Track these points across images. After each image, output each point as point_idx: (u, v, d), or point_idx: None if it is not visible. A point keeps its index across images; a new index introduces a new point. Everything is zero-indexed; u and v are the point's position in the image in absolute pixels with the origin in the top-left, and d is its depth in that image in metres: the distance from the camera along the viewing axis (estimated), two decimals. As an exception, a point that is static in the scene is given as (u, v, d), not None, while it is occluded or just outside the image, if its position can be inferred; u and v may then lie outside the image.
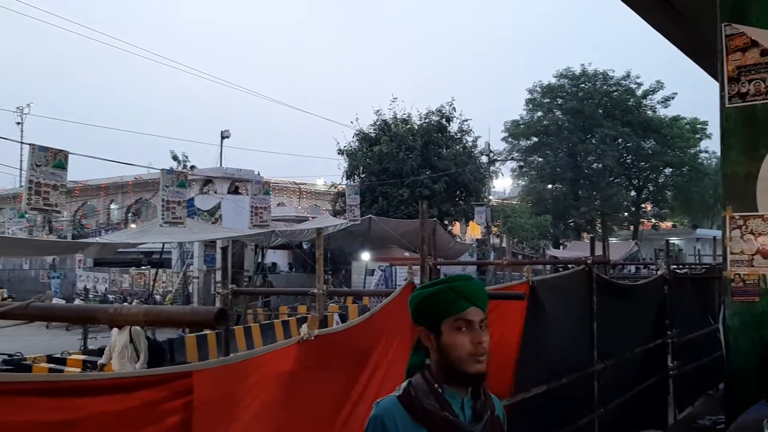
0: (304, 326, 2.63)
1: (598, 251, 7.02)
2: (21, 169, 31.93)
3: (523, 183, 42.90)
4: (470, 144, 30.34)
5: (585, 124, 38.53)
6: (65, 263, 28.06)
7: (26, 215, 28.42)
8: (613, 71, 39.71)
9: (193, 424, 2.32)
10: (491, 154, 34.32)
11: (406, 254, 22.35)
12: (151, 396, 2.24)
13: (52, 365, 8.97)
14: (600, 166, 38.78)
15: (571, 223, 40.36)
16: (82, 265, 26.75)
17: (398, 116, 29.05)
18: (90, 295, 24.27)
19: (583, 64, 40.15)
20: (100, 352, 9.33)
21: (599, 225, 40.51)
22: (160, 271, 22.36)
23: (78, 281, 26.56)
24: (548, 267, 17.16)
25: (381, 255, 23.33)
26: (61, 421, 2.04)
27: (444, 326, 1.90)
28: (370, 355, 3.59)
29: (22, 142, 22.46)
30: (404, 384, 1.98)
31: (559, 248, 36.03)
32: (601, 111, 38.82)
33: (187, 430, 2.32)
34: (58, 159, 11.15)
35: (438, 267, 8.76)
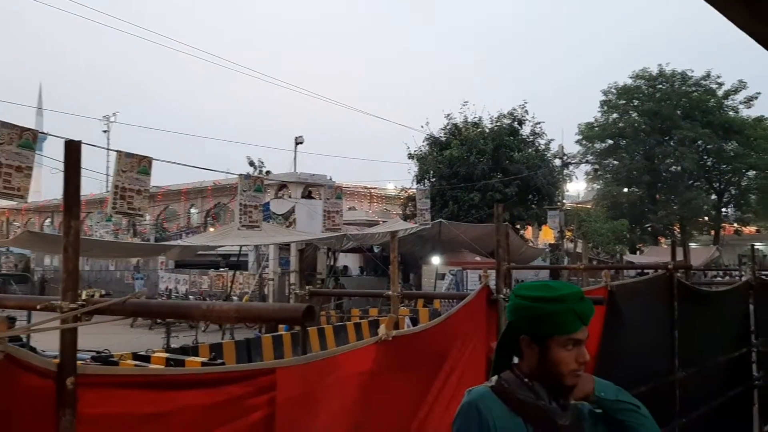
0: (382, 326, 2.68)
1: (679, 256, 6.79)
2: (107, 175, 33.53)
3: (598, 186, 41.80)
4: (543, 147, 29.83)
5: (662, 126, 37.25)
6: (148, 265, 29.28)
7: (112, 219, 29.81)
8: (692, 71, 38.27)
9: (276, 420, 2.40)
10: (565, 157, 33.64)
11: (477, 258, 22.17)
12: (237, 391, 2.33)
13: (137, 362, 9.37)
14: (678, 168, 37.40)
15: (648, 228, 39.05)
16: (164, 266, 27.84)
17: (469, 120, 28.89)
18: (172, 296, 25.22)
19: (660, 65, 38.87)
20: (183, 350, 9.70)
21: (678, 230, 39.05)
22: (238, 273, 23.01)
23: (160, 282, 27.66)
24: (626, 272, 16.66)
25: (451, 259, 23.22)
26: (152, 413, 2.15)
27: (553, 342, 1.92)
28: (446, 357, 3.61)
29: (108, 149, 23.57)
30: (495, 377, 2.03)
31: (635, 253, 34.93)
32: (679, 112, 37.44)
33: (271, 426, 2.41)
34: (142, 165, 11.62)
35: (510, 271, 8.67)
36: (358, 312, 17.87)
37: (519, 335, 2.00)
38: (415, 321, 13.99)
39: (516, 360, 2.06)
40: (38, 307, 2.02)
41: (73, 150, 2.08)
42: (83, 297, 2.00)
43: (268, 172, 28.36)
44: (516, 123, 28.84)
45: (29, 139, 9.82)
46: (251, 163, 30.60)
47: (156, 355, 8.69)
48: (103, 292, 1.82)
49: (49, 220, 42.34)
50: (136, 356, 9.98)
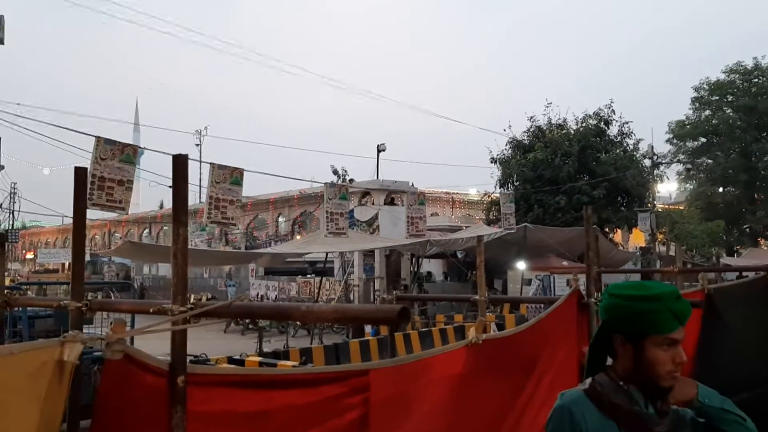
0: (472, 330, 2.71)
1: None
2: (200, 186, 34.96)
3: (691, 187, 39.93)
4: (631, 147, 28.84)
5: (759, 122, 35.19)
6: (240, 272, 30.30)
7: (206, 228, 31.04)
8: (792, 63, 35.97)
9: (370, 420, 2.47)
10: (655, 157, 32.37)
11: (565, 263, 21.67)
12: (333, 391, 2.42)
13: (233, 366, 9.75)
14: (778, 166, 35.29)
15: (747, 229, 36.95)
16: (255, 273, 28.73)
17: (553, 122, 28.34)
18: (263, 302, 26.01)
19: (755, 58, 36.77)
20: (274, 354, 10.00)
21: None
22: (324, 279, 23.45)
23: (251, 289, 28.54)
24: (725, 276, 15.87)
25: (538, 264, 22.80)
26: (254, 412, 2.27)
27: (648, 342, 1.89)
28: (536, 362, 3.59)
29: (201, 161, 24.59)
30: (588, 380, 2.01)
31: (733, 256, 33.14)
32: (777, 107, 35.33)
33: (365, 426, 2.48)
34: (234, 176, 12.06)
35: (600, 276, 8.43)
36: (442, 318, 17.85)
37: (613, 335, 1.97)
38: (501, 327, 13.82)
39: (610, 362, 2.03)
40: (151, 310, 2.17)
41: (180, 163, 2.23)
42: (191, 301, 2.14)
43: (351, 180, 28.82)
44: (602, 123, 28.04)
45: (130, 154, 10.37)
46: (335, 172, 31.19)
47: (250, 358, 9.00)
48: (210, 296, 1.94)
49: (147, 230, 44.58)
50: (230, 360, 10.37)
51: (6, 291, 3.15)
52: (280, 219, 35.14)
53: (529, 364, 3.48)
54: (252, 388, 2.23)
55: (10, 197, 39.91)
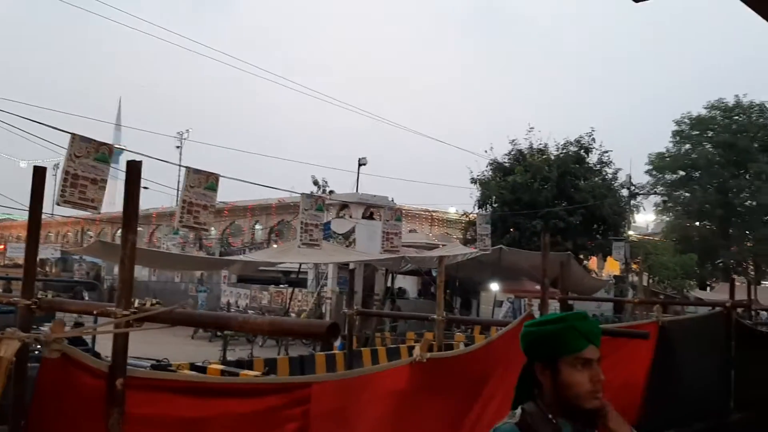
0: (416, 348, 2.76)
1: (744, 295, 6.59)
2: (178, 190, 34.72)
3: (668, 219, 40.50)
4: (610, 176, 29.23)
5: (738, 159, 35.87)
6: (212, 278, 30.06)
7: (179, 232, 30.81)
8: (773, 103, 36.77)
9: (310, 432, 2.51)
10: (633, 188, 32.82)
11: (537, 287, 21.82)
12: (274, 402, 2.46)
13: (194, 372, 9.67)
14: (754, 203, 35.86)
15: (720, 264, 37.50)
16: (227, 280, 28.53)
17: (534, 146, 28.64)
18: (232, 310, 25.80)
19: (737, 95, 37.55)
20: (238, 363, 9.93)
21: (752, 267, 37.35)
22: (297, 290, 23.38)
23: (222, 296, 28.33)
24: (696, 309, 16.12)
25: (511, 286, 22.94)
26: (194, 417, 2.30)
27: (562, 364, 1.94)
28: (485, 383, 3.64)
29: (180, 165, 24.44)
30: (518, 411, 2.04)
31: (705, 289, 33.57)
32: (756, 145, 36.01)
33: (304, 438, 2.52)
34: (209, 181, 12.00)
35: (569, 302, 8.55)
36: (413, 335, 17.85)
37: (534, 365, 2.04)
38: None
39: (536, 390, 2.07)
40: (95, 312, 2.20)
41: (134, 169, 2.26)
42: (135, 305, 2.17)
43: (331, 192, 28.82)
44: (583, 151, 28.40)
45: (105, 153, 10.34)
46: (315, 182, 31.16)
47: (212, 366, 8.93)
48: (155, 301, 1.98)
49: (120, 230, 44.09)
50: (193, 366, 10.29)
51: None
52: (257, 227, 34.99)
53: (477, 385, 3.53)
54: (191, 395, 2.26)
55: (-16, 189, 39.29)
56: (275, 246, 27.66)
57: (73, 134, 10.42)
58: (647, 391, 4.69)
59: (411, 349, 14.38)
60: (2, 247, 41.17)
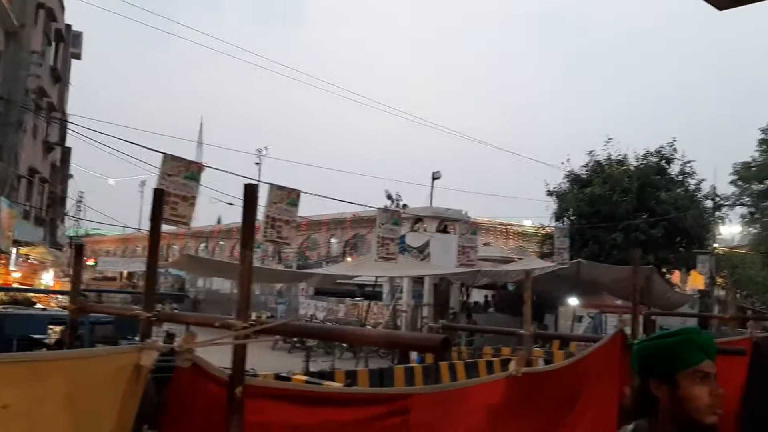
0: (512, 363, 2.82)
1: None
2: (258, 205, 35.70)
3: (755, 231, 38.61)
4: (693, 187, 28.20)
5: (832, 168, 33.95)
6: (290, 291, 30.76)
7: (261, 246, 31.69)
8: None
9: (409, 443, 2.61)
10: (717, 199, 31.51)
11: (618, 302, 21.25)
12: (375, 411, 2.57)
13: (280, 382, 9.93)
14: None
15: (813, 278, 35.43)
16: (305, 293, 29.12)
17: (613, 157, 27.99)
18: (311, 322, 26.31)
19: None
20: (320, 374, 10.16)
21: None
22: (372, 303, 23.61)
23: (300, 308, 28.90)
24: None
25: (590, 301, 22.42)
26: (303, 425, 2.44)
27: (680, 378, 1.94)
28: (576, 399, 3.65)
29: (260, 182, 25.20)
30: (630, 427, 2.05)
31: (797, 305, 31.81)
32: None
33: (403, 448, 2.62)
34: (291, 197, 12.40)
35: (653, 318, 8.36)
36: (490, 350, 17.68)
37: (649, 382, 2.04)
38: (549, 363, 13.67)
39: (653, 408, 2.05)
40: (216, 324, 2.38)
41: (250, 192, 2.45)
42: (252, 318, 2.34)
43: (404, 206, 29.01)
44: (664, 161, 27.55)
45: (194, 172, 10.81)
46: (389, 197, 31.45)
47: (296, 377, 9.18)
48: (269, 314, 2.13)
49: (204, 244, 45.74)
50: (277, 377, 10.59)
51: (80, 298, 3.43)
52: (333, 240, 35.58)
53: (568, 401, 3.55)
54: (303, 403, 2.40)
55: (77, 206, 41.65)
56: (350, 259, 28.07)
57: (165, 154, 10.96)
58: (741, 412, 4.55)
59: (489, 364, 14.28)
60: (93, 260, 43.36)
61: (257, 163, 45.12)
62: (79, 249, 3.54)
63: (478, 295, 26.90)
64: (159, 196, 2.89)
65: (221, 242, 44.27)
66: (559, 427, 3.47)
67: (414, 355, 15.53)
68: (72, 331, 3.45)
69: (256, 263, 30.22)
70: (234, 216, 39.09)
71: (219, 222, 49.53)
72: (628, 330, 4.17)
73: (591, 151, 28.43)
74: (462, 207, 27.71)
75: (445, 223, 25.91)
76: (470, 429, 2.89)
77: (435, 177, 29.54)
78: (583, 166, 28.29)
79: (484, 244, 32.35)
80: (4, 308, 11.92)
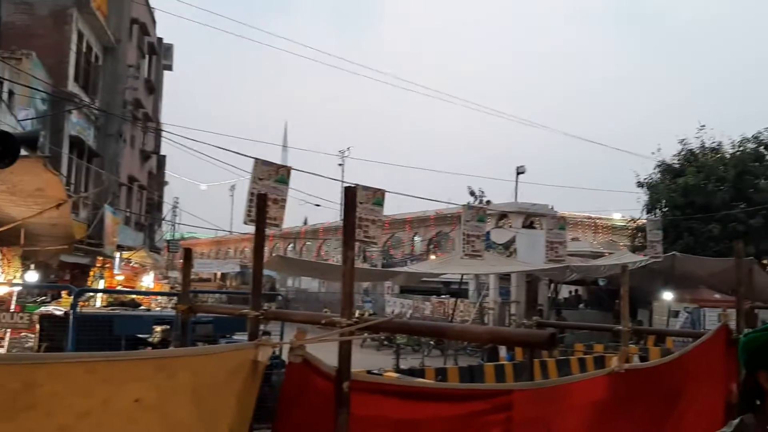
0: (615, 359, 2.79)
1: None
2: (341, 205, 36.35)
3: None
4: (795, 174, 26.51)
5: None
6: (376, 289, 31.12)
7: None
8: None
9: (512, 438, 2.63)
10: (823, 185, 29.49)
11: (717, 296, 20.30)
12: (478, 407, 2.61)
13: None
14: None
15: None
16: (390, 291, 29.36)
17: (707, 145, 26.71)
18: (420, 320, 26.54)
19: None
20: (410, 371, 10.28)
21: None
22: (458, 300, 23.55)
23: (386, 306, 29.19)
24: None
25: (686, 295, 21.50)
26: (408, 420, 2.51)
27: None
28: (679, 396, 3.56)
29: (343, 182, 25.64)
30: (735, 422, 2.01)
31: None
32: None
33: (507, 443, 2.64)
34: (376, 197, 12.56)
35: (755, 311, 7.99)
36: (581, 347, 17.35)
37: (758, 374, 1.99)
38: (644, 360, 13.27)
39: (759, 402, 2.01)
40: (323, 321, 2.49)
41: (350, 194, 2.54)
42: (356, 315, 2.43)
43: (488, 202, 28.75)
44: (762, 148, 26.05)
45: (284, 175, 11.22)
46: (472, 193, 31.27)
47: (387, 374, 9.33)
48: (371, 312, 2.21)
49: (291, 245, 46.87)
50: (369, 374, 10.80)
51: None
52: (416, 238, 35.68)
53: (671, 398, 3.47)
54: (406, 398, 2.48)
55: (173, 211, 43.65)
56: (433, 257, 28.08)
57: (255, 159, 11.37)
58: None
59: (581, 361, 13.99)
60: (189, 262, 45.02)
61: (340, 165, 45.84)
62: (187, 253, 3.75)
63: (564, 291, 26.32)
64: (262, 200, 3.03)
65: (308, 242, 45.24)
66: (663, 423, 3.40)
67: (503, 352, 15.42)
68: (182, 330, 3.66)
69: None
70: (319, 217, 39.86)
71: (305, 223, 50.69)
72: (731, 324, 4.03)
73: (683, 140, 27.24)
74: (548, 202, 27.15)
75: (531, 218, 25.49)
76: (573, 426, 2.88)
77: (519, 172, 29.09)
78: (675, 155, 27.16)
79: (572, 239, 31.61)
80: (111, 309, 12.68)
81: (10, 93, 15.62)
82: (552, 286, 22.66)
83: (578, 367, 13.24)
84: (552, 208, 25.72)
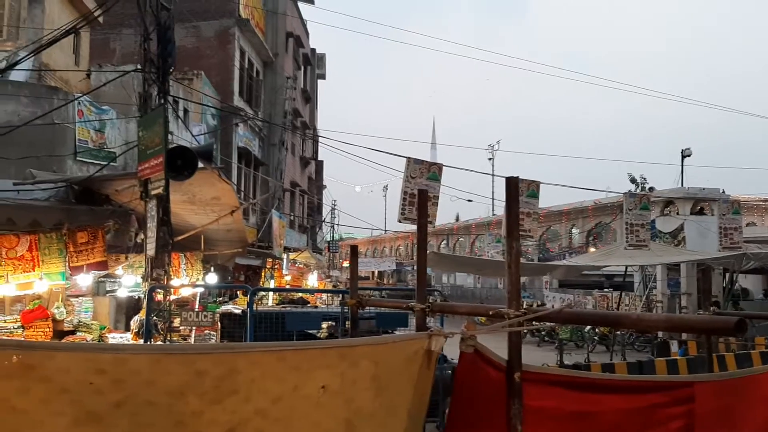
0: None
1: None
2: (493, 199, 36.00)
3: None
4: None
5: None
6: (533, 284, 30.51)
7: (501, 240, 31.88)
8: None
9: (695, 432, 2.52)
10: None
11: None
12: (656, 399, 2.52)
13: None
14: None
15: None
16: (548, 285, 28.66)
17: None
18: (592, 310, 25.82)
19: None
20: (575, 367, 10.00)
21: None
22: (623, 294, 22.48)
23: (545, 301, 28.54)
24: None
25: None
26: (582, 411, 2.48)
27: None
28: None
29: (493, 175, 25.41)
30: None
31: None
32: None
33: (690, 437, 2.53)
34: (531, 189, 12.35)
35: None
36: (763, 340, 15.92)
37: None
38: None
39: None
40: (490, 312, 2.53)
41: (512, 185, 2.55)
42: (524, 306, 2.44)
43: (651, 189, 27.14)
44: None
45: (435, 172, 11.43)
46: (633, 180, 29.65)
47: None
48: (540, 303, 2.22)
49: (444, 242, 47.17)
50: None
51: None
52: (574, 230, 34.49)
53: None
54: (579, 390, 2.45)
55: (331, 213, 45.59)
56: (593, 249, 26.98)
57: (408, 158, 11.63)
58: None
59: (763, 355, 12.80)
60: (348, 261, 47.01)
61: (490, 159, 45.44)
62: (353, 250, 3.95)
63: (744, 282, 24.20)
64: (423, 196, 3.13)
65: (460, 239, 45.30)
66: None
67: (675, 347, 14.52)
68: (353, 324, 3.86)
69: (498, 257, 30.45)
70: (470, 213, 39.76)
71: (457, 219, 50.79)
72: None
73: None
74: (719, 185, 25.14)
75: (700, 204, 23.71)
76: (762, 419, 2.70)
77: (685, 155, 27.19)
78: None
79: (748, 224, 29.01)
80: (283, 307, 13.54)
81: (185, 111, 17.15)
82: (727, 275, 20.94)
83: (760, 362, 12.16)
84: (723, 192, 23.75)
